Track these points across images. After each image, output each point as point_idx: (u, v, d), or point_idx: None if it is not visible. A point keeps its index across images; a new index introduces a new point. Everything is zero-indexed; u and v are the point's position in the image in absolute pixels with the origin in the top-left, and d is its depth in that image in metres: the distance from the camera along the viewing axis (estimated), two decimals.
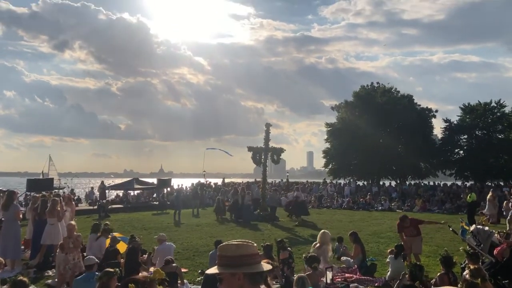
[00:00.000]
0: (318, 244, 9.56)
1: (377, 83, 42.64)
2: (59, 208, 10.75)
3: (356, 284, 8.23)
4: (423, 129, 38.57)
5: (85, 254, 9.59)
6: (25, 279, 6.39)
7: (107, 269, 6.06)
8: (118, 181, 42.78)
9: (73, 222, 9.64)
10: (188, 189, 34.20)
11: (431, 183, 34.43)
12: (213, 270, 2.24)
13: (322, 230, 10.21)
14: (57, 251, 9.06)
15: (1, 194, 16.15)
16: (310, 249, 9.68)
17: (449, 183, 34.10)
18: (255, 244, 2.31)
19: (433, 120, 40.22)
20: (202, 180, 36.68)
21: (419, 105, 40.98)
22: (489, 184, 34.15)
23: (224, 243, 2.32)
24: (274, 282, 7.24)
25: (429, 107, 41.09)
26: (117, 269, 6.08)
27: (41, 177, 28.69)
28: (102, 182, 33.91)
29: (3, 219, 11.18)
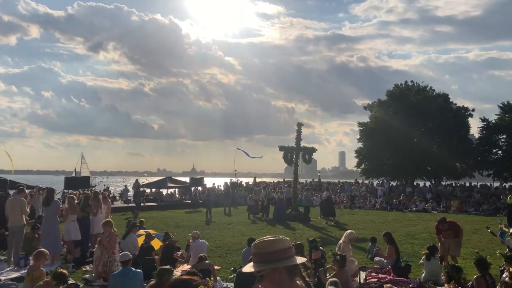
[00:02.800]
0: (342, 243, 9.50)
1: (411, 81, 41.77)
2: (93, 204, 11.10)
3: (390, 285, 8.12)
4: (459, 128, 37.56)
5: (120, 250, 9.84)
6: (64, 271, 6.65)
7: (164, 267, 6.17)
8: (152, 179, 43.52)
9: (110, 219, 9.89)
10: (221, 188, 34.48)
11: (467, 184, 33.52)
12: (251, 268, 2.25)
13: (349, 230, 10.14)
14: (95, 247, 9.34)
15: (41, 192, 16.77)
16: (335, 248, 9.62)
17: (487, 184, 33.08)
18: (287, 238, 2.32)
19: (470, 119, 39.13)
20: (234, 179, 36.93)
21: (455, 104, 39.94)
22: None
23: (257, 241, 2.33)
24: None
25: (465, 106, 40.04)
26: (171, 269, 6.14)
27: (73, 175, 29.50)
28: (137, 181, 34.60)
29: (43, 215, 11.62)
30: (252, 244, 2.34)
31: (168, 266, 6.14)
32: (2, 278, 8.64)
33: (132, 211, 23.69)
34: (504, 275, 6.45)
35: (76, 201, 11.52)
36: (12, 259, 10.08)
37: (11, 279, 8.50)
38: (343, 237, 9.89)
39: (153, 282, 6.03)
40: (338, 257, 7.39)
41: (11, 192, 15.05)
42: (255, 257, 2.27)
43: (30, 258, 10.37)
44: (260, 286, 2.26)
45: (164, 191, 34.22)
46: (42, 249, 7.54)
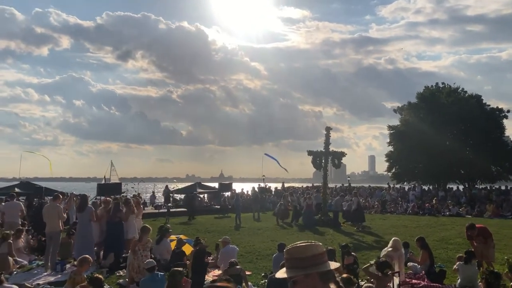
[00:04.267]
0: (391, 249, 9.33)
1: (442, 83, 40.95)
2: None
3: None
4: (494, 130, 36.55)
5: (152, 255, 9.98)
6: (100, 276, 6.81)
7: (176, 269, 6.32)
8: (181, 185, 43.94)
9: (148, 226, 10.05)
10: (249, 193, 34.54)
11: (503, 187, 32.51)
12: (283, 274, 2.24)
13: (394, 238, 9.94)
14: (129, 252, 9.52)
15: (75, 198, 17.22)
16: (381, 254, 9.47)
17: None
18: (320, 244, 2.31)
19: (505, 120, 38.02)
20: (262, 184, 36.95)
21: (489, 105, 38.89)
22: None
23: (290, 246, 2.31)
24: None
25: (499, 106, 38.93)
26: (185, 270, 6.29)
27: (103, 182, 30.08)
28: (167, 187, 35.08)
29: (77, 221, 11.92)
30: (284, 250, 2.33)
31: (180, 268, 6.25)
32: (41, 282, 8.91)
33: (164, 216, 24.00)
34: None
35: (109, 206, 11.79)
36: (49, 264, 10.37)
37: (49, 283, 8.74)
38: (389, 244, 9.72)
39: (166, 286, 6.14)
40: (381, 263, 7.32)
41: (47, 198, 15.49)
42: (288, 262, 2.26)
43: (68, 263, 10.74)
44: None
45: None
46: (87, 256, 7.78)
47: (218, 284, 2.41)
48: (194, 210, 26.27)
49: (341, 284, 2.28)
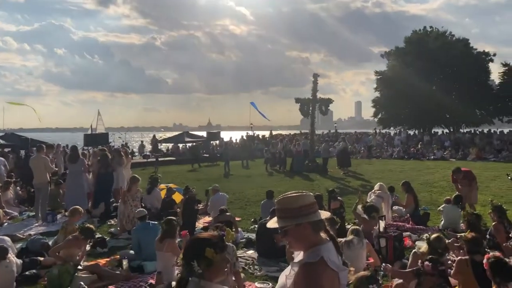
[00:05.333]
0: (379, 191, 9.55)
1: (430, 27, 40.49)
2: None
3: (409, 233, 8.22)
4: (479, 74, 36.65)
5: (142, 204, 10.09)
6: (92, 226, 6.89)
7: (170, 217, 6.40)
8: (169, 134, 43.90)
9: (137, 176, 10.05)
10: (237, 141, 34.67)
11: (486, 131, 33.06)
12: (275, 224, 2.25)
13: (379, 182, 10.15)
14: (119, 201, 9.60)
15: (61, 149, 17.10)
16: (368, 197, 9.70)
17: (506, 130, 32.58)
18: (311, 194, 2.32)
19: (490, 64, 38.05)
20: (250, 133, 37.05)
21: (476, 49, 38.70)
22: None
23: (281, 196, 2.32)
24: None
25: (486, 50, 38.82)
26: (176, 218, 6.37)
27: (89, 132, 29.84)
28: (154, 136, 35.00)
29: (67, 171, 11.91)
30: (276, 200, 2.35)
31: (172, 218, 6.36)
32: (32, 233, 8.99)
33: (153, 166, 24.08)
34: None
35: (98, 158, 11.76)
36: (39, 215, 10.44)
37: (41, 234, 8.83)
38: (375, 188, 9.94)
39: (159, 235, 6.24)
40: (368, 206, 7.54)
41: (34, 150, 15.35)
42: (279, 212, 2.27)
43: (59, 214, 10.82)
44: (284, 240, 2.29)
45: (181, 146, 34.56)
46: (78, 207, 7.82)
47: (203, 235, 2.44)
48: (199, 158, 26.65)
49: (331, 232, 2.31)
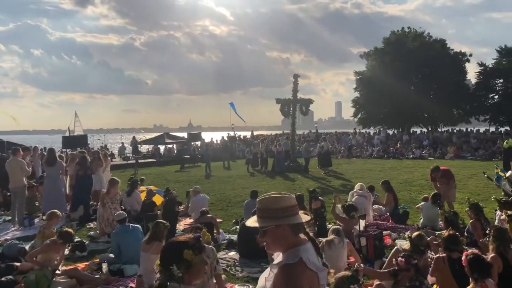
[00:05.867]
0: (361, 191, 9.63)
1: (408, 27, 41.08)
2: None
3: (388, 231, 8.31)
4: (456, 74, 37.32)
5: (122, 207, 9.96)
6: (70, 230, 6.76)
7: (160, 220, 6.29)
8: (149, 136, 43.48)
9: (116, 178, 9.91)
10: (218, 142, 34.61)
11: (464, 130, 33.71)
12: (255, 223, 2.24)
13: (359, 182, 10.24)
14: (98, 204, 9.46)
15: (39, 152, 16.79)
16: (348, 197, 9.77)
17: (482, 129, 33.28)
18: (293, 196, 2.32)
19: (467, 64, 38.83)
20: (231, 133, 37.01)
21: (452, 49, 39.43)
22: None
23: (263, 197, 2.31)
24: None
25: (462, 51, 39.54)
26: (167, 223, 6.26)
27: (67, 134, 29.41)
28: (134, 138, 34.69)
29: (44, 174, 11.68)
30: (257, 199, 2.34)
31: (161, 220, 6.27)
32: (9, 238, 8.80)
33: (133, 167, 23.85)
34: (502, 217, 6.58)
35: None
36: (16, 219, 10.23)
37: (17, 238, 8.65)
38: (356, 187, 10.02)
39: (147, 236, 6.15)
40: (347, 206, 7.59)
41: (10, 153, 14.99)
42: (260, 212, 2.26)
43: (36, 218, 10.61)
44: (262, 240, 2.28)
45: (162, 147, 34.33)
46: (55, 210, 7.67)
47: (179, 238, 2.40)
48: (183, 160, 26.71)
49: (311, 235, 2.31)
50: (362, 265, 5.35)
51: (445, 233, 5.28)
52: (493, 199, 8.33)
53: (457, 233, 5.36)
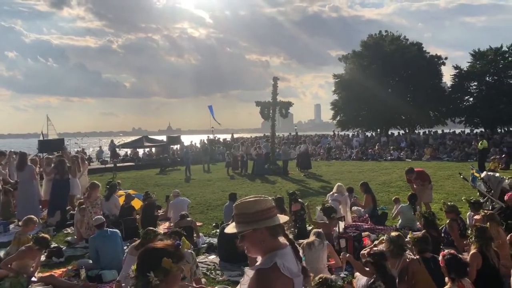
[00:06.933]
0: (336, 194, 9.68)
1: (385, 31, 41.68)
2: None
3: (367, 232, 8.39)
4: (433, 77, 38.03)
5: (101, 212, 9.81)
6: (46, 235, 6.62)
7: (150, 228, 6.17)
8: (128, 139, 43.00)
9: (97, 182, 9.74)
10: (198, 145, 34.44)
11: (440, 132, 34.34)
12: (233, 229, 2.24)
13: (338, 183, 10.29)
14: (75, 209, 9.30)
15: (14, 156, 16.42)
16: (327, 198, 9.83)
17: (458, 131, 33.95)
18: (269, 198, 2.32)
19: (443, 67, 39.65)
20: (211, 136, 36.88)
21: (428, 52, 40.18)
22: (500, 130, 33.97)
23: (239, 201, 2.31)
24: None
25: (438, 54, 40.47)
26: (156, 231, 6.15)
27: (41, 138, 28.82)
28: (112, 141, 34.23)
29: (17, 180, 11.43)
30: (234, 205, 2.33)
31: (152, 228, 6.18)
32: None
33: (111, 171, 23.54)
34: (478, 217, 6.71)
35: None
36: None
37: None
38: (334, 189, 10.05)
39: (137, 242, 6.07)
40: (326, 208, 7.64)
41: None
42: (237, 217, 2.26)
43: (11, 224, 10.36)
44: (241, 245, 2.28)
45: (141, 151, 34.00)
46: (32, 216, 7.49)
47: (157, 245, 2.36)
48: (166, 164, 26.80)
49: (290, 237, 2.31)
50: (348, 254, 5.46)
51: (415, 236, 5.36)
52: (463, 200, 8.54)
53: (433, 234, 5.46)
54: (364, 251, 5.47)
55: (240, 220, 2.23)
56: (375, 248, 5.26)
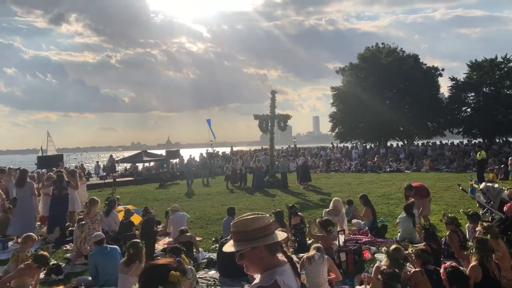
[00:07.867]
0: (332, 212, 9.64)
1: (382, 43, 42.11)
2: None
3: (368, 245, 8.37)
4: (430, 88, 38.23)
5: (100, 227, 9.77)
6: (45, 253, 6.58)
7: (135, 240, 6.19)
8: (127, 154, 42.99)
9: (96, 198, 9.71)
10: (197, 159, 34.43)
11: (438, 143, 34.40)
12: (232, 247, 2.23)
13: (335, 198, 10.24)
14: (75, 226, 9.26)
15: (14, 173, 16.40)
16: (323, 214, 9.80)
17: (456, 142, 34.01)
18: (267, 215, 2.31)
19: (440, 78, 39.92)
20: (210, 150, 36.86)
21: (425, 64, 40.49)
22: (498, 140, 34.03)
23: (237, 219, 2.30)
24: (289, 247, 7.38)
25: (435, 65, 40.79)
26: (142, 243, 6.17)
27: (40, 154, 28.84)
28: (111, 156, 34.20)
29: (16, 196, 11.40)
30: (231, 223, 2.32)
31: (138, 241, 6.16)
32: None
33: (110, 186, 23.48)
34: (477, 228, 6.70)
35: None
36: None
37: None
38: (330, 205, 9.99)
39: (125, 258, 6.04)
40: (323, 221, 7.62)
41: None
42: (235, 236, 2.25)
43: (10, 241, 10.31)
44: (240, 263, 2.27)
45: (140, 165, 33.95)
46: (31, 234, 7.48)
47: (159, 262, 2.37)
48: (166, 178, 26.59)
49: (288, 253, 2.31)
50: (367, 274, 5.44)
51: (417, 249, 5.35)
52: (461, 212, 8.52)
53: (433, 246, 5.46)
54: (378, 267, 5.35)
55: (239, 238, 2.22)
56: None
